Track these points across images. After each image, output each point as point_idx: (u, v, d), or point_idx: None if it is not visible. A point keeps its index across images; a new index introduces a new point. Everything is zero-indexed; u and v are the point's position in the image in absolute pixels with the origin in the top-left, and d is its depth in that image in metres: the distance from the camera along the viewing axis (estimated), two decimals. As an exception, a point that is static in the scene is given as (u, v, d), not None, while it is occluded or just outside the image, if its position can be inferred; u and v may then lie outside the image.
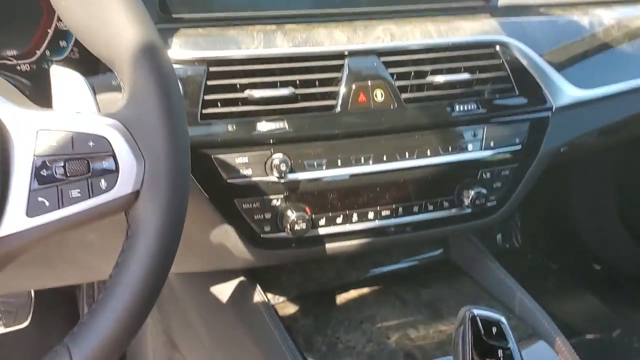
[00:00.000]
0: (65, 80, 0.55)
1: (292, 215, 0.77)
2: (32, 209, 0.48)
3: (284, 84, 0.75)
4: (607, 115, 0.96)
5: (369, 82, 0.77)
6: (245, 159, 0.75)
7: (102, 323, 0.50)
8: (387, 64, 0.79)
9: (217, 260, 0.85)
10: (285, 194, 0.77)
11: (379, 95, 0.78)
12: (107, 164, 0.50)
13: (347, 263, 0.96)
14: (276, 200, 0.77)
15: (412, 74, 0.80)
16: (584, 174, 1.55)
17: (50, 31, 0.77)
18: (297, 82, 0.76)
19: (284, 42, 0.76)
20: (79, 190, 0.49)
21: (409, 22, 0.82)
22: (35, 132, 0.48)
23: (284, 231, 0.78)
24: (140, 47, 0.50)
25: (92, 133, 0.49)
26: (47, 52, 0.78)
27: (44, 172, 0.48)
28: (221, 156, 0.74)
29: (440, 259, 1.01)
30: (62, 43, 0.78)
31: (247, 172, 0.75)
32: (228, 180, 0.74)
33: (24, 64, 0.77)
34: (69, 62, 0.79)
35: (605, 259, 1.59)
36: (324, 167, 0.77)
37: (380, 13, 0.82)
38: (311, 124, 0.76)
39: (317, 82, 0.77)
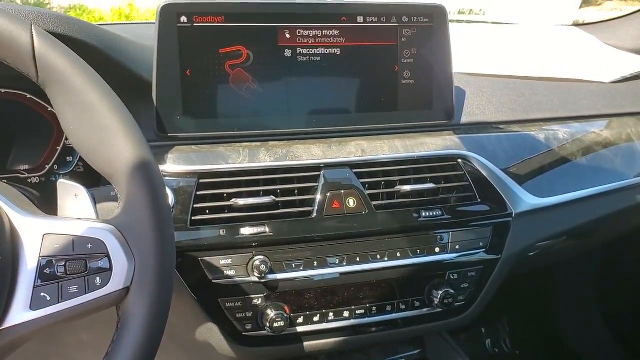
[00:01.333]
0: (69, 191, 0.63)
1: (271, 313, 0.83)
2: (35, 303, 0.54)
3: (266, 193, 0.84)
4: (566, 220, 1.04)
5: (342, 191, 0.86)
6: (229, 261, 0.82)
7: None
8: (359, 175, 0.87)
9: (201, 357, 0.90)
10: (265, 294, 0.84)
11: (351, 202, 0.86)
12: (102, 263, 0.56)
13: (327, 361, 1.00)
14: (257, 300, 0.83)
15: (382, 183, 0.89)
16: (565, 280, 1.60)
17: (59, 148, 0.87)
18: (278, 191, 0.84)
19: (266, 156, 0.86)
20: (77, 287, 0.55)
21: (378, 139, 0.92)
22: (41, 236, 0.55)
23: (264, 329, 0.84)
24: (135, 166, 0.58)
25: (90, 237, 0.57)
26: (55, 167, 0.88)
27: (47, 271, 0.55)
28: (207, 258, 0.81)
29: (418, 358, 1.05)
30: (69, 158, 0.88)
31: (230, 272, 0.82)
32: (213, 281, 0.81)
33: (34, 177, 0.87)
34: (74, 175, 0.88)
35: (593, 364, 1.61)
36: (302, 268, 0.84)
37: (353, 131, 0.92)
38: (290, 228, 0.84)
39: (296, 191, 0.86)
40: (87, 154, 0.60)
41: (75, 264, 0.56)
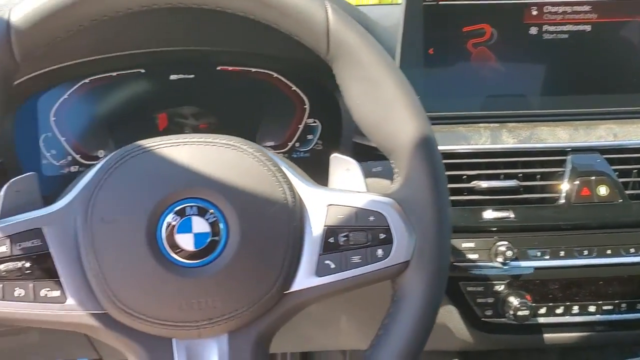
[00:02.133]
0: (342, 164, 0.64)
1: (514, 301, 0.80)
2: (321, 270, 0.56)
3: (508, 177, 0.81)
4: None
5: (593, 177, 0.80)
6: (471, 244, 0.80)
7: None
8: (610, 161, 0.81)
9: (436, 339, 0.88)
10: (507, 281, 0.81)
11: (602, 190, 0.80)
12: (384, 236, 0.57)
13: (560, 357, 0.95)
14: (499, 286, 0.81)
15: (634, 171, 0.82)
16: None
17: (301, 127, 0.90)
18: (520, 175, 0.81)
19: (509, 138, 0.82)
20: (359, 257, 0.56)
21: (631, 123, 0.84)
22: (326, 207, 0.57)
23: (505, 316, 0.81)
24: (418, 141, 0.58)
25: (372, 209, 0.57)
26: (297, 144, 0.91)
27: (331, 240, 0.56)
28: (449, 240, 0.80)
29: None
30: (309, 137, 0.91)
31: (472, 256, 0.80)
32: (454, 263, 0.80)
33: (278, 153, 0.91)
34: (313, 153, 0.91)
35: None
36: (547, 257, 0.80)
37: (601, 114, 0.86)
38: (536, 215, 0.80)
39: (538, 176, 0.82)
40: (369, 128, 0.60)
41: (358, 235, 0.56)
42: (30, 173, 0.58)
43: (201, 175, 0.54)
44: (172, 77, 0.87)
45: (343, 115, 0.88)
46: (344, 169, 0.64)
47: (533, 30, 0.85)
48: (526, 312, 0.79)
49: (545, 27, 0.85)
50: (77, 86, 0.85)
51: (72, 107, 0.86)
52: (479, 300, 0.81)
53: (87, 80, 0.85)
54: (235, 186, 0.54)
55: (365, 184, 0.62)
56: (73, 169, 0.86)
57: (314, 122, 0.91)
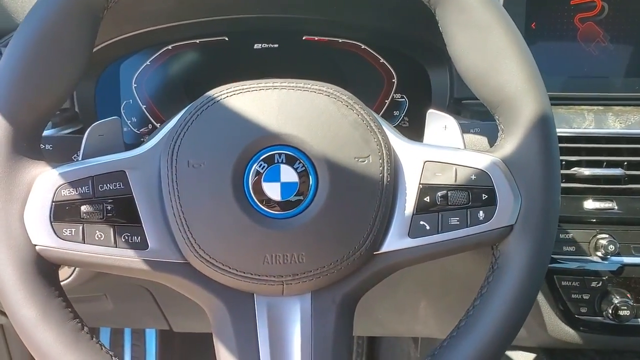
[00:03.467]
0: (439, 121, 0.59)
1: (614, 299, 0.74)
2: (414, 231, 0.52)
3: (612, 164, 0.75)
4: None
5: None
6: (569, 236, 0.75)
7: (464, 347, 0.52)
8: None
9: (523, 334, 0.84)
10: (606, 277, 0.75)
11: None
12: (486, 197, 0.52)
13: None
14: (597, 282, 0.75)
15: None
16: None
17: (387, 101, 0.86)
18: (625, 163, 0.75)
19: (615, 122, 0.76)
20: (457, 219, 0.52)
21: None
22: (422, 163, 0.52)
23: (602, 315, 0.76)
24: (529, 95, 0.52)
25: (475, 167, 0.52)
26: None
27: (427, 199, 0.52)
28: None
29: None
30: (396, 112, 0.86)
31: (569, 249, 0.75)
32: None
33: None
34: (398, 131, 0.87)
35: None
36: (653, 254, 0.74)
37: None
38: (641, 207, 0.74)
39: (645, 165, 0.75)
40: (474, 79, 0.55)
41: (457, 194, 0.52)
42: (114, 117, 0.56)
43: (291, 122, 0.51)
44: (256, 46, 0.84)
45: (434, 91, 0.83)
46: (441, 126, 0.59)
47: (650, 5, 0.78)
48: (627, 312, 0.73)
49: (664, 1, 0.77)
50: (159, 52, 0.83)
51: (153, 74, 0.84)
52: (574, 296, 0.76)
53: (169, 47, 0.83)
54: (326, 135, 0.51)
55: (464, 142, 0.57)
56: (153, 137, 0.85)
57: (402, 97, 0.86)
